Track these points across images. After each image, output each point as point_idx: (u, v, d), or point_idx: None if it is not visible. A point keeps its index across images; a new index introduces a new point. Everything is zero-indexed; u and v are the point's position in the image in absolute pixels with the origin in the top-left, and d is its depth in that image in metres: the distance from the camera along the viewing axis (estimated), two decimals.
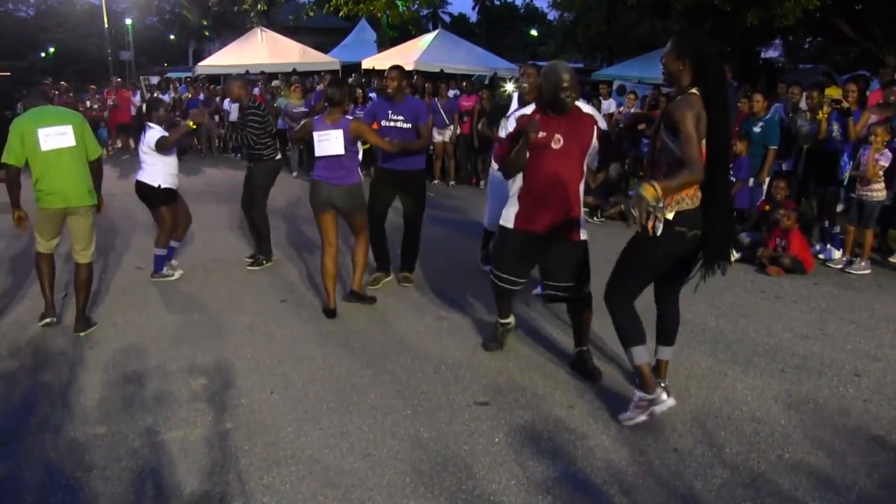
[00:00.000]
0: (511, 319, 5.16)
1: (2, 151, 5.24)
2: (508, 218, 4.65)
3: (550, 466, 3.65)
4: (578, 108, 4.43)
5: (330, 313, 5.79)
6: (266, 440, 3.90)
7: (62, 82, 19.95)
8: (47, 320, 5.49)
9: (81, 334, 5.40)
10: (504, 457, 3.74)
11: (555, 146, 4.37)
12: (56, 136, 5.23)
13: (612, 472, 3.59)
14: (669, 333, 4.28)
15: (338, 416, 4.16)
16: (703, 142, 3.59)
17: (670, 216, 3.69)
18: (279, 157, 7.29)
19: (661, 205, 3.60)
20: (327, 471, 3.62)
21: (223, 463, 3.69)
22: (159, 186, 6.60)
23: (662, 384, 4.11)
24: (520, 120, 4.53)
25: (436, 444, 3.86)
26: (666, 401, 3.92)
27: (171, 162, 6.68)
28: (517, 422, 4.10)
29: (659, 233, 3.69)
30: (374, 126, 6.28)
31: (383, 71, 19.24)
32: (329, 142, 5.54)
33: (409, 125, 6.27)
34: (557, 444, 3.86)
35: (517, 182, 4.63)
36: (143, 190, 6.66)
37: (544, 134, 4.36)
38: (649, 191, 3.47)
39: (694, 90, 3.66)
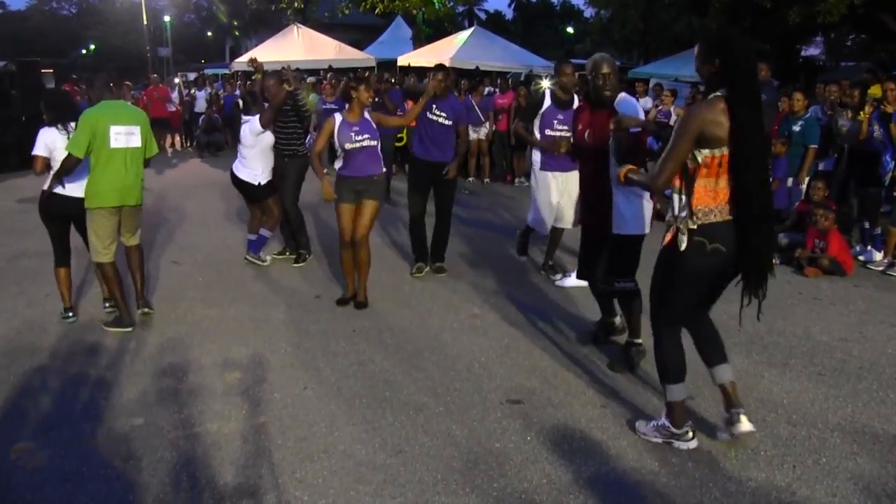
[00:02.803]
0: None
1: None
2: (643, 226, 4.63)
3: (582, 466, 3.63)
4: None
5: (359, 305, 6.02)
6: (299, 434, 3.93)
7: (80, 85, 20.26)
8: (129, 329, 5.45)
9: (147, 311, 5.61)
10: (536, 455, 3.73)
11: None
12: (125, 135, 5.29)
13: (644, 473, 3.57)
14: (715, 351, 3.91)
15: (370, 412, 4.18)
16: (723, 149, 3.39)
17: (693, 227, 3.49)
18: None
19: (684, 215, 3.50)
20: (359, 466, 3.64)
21: (256, 456, 3.73)
22: (260, 184, 6.87)
23: (740, 412, 3.77)
24: None
25: (468, 442, 3.86)
26: (689, 442, 3.77)
27: (269, 157, 6.92)
28: (549, 420, 4.08)
29: (683, 247, 3.50)
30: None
31: (418, 68, 19.24)
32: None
33: (450, 122, 6.59)
34: (590, 444, 3.84)
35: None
36: (245, 187, 6.92)
37: None
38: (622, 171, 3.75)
39: (719, 93, 3.44)
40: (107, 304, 5.78)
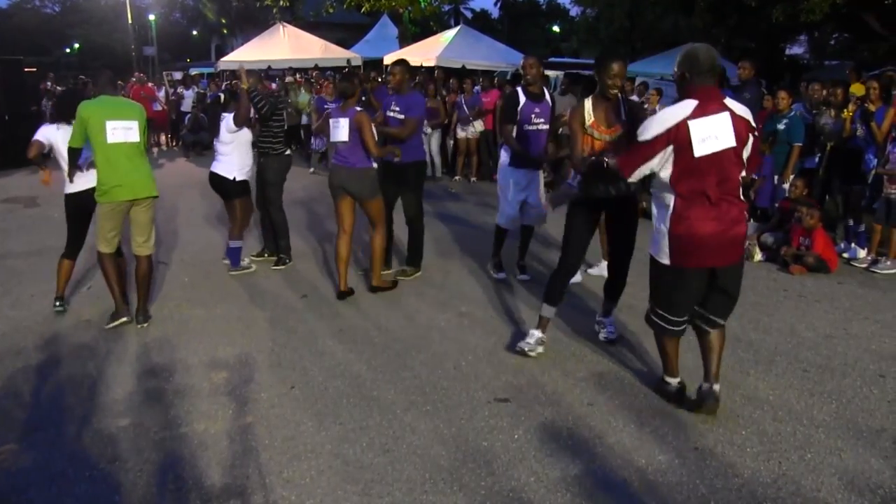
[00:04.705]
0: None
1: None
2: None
3: (570, 464, 3.64)
4: None
5: (342, 296, 6.07)
6: (286, 434, 3.93)
7: (80, 77, 20.21)
8: (123, 319, 5.48)
9: (143, 325, 5.52)
10: (524, 453, 3.74)
11: None
12: (123, 129, 5.28)
13: (631, 470, 3.58)
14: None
15: (358, 412, 4.18)
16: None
17: None
18: (289, 152, 7.34)
19: None
20: (347, 465, 3.63)
21: (243, 456, 3.72)
22: (234, 179, 6.79)
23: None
24: None
25: (455, 440, 3.86)
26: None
27: (246, 154, 6.84)
28: (537, 419, 4.09)
29: None
30: (380, 117, 6.49)
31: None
32: (338, 129, 5.91)
33: (403, 116, 6.41)
34: (577, 442, 3.85)
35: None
36: (218, 181, 6.83)
37: None
38: None
39: None
40: (57, 303, 5.82)
